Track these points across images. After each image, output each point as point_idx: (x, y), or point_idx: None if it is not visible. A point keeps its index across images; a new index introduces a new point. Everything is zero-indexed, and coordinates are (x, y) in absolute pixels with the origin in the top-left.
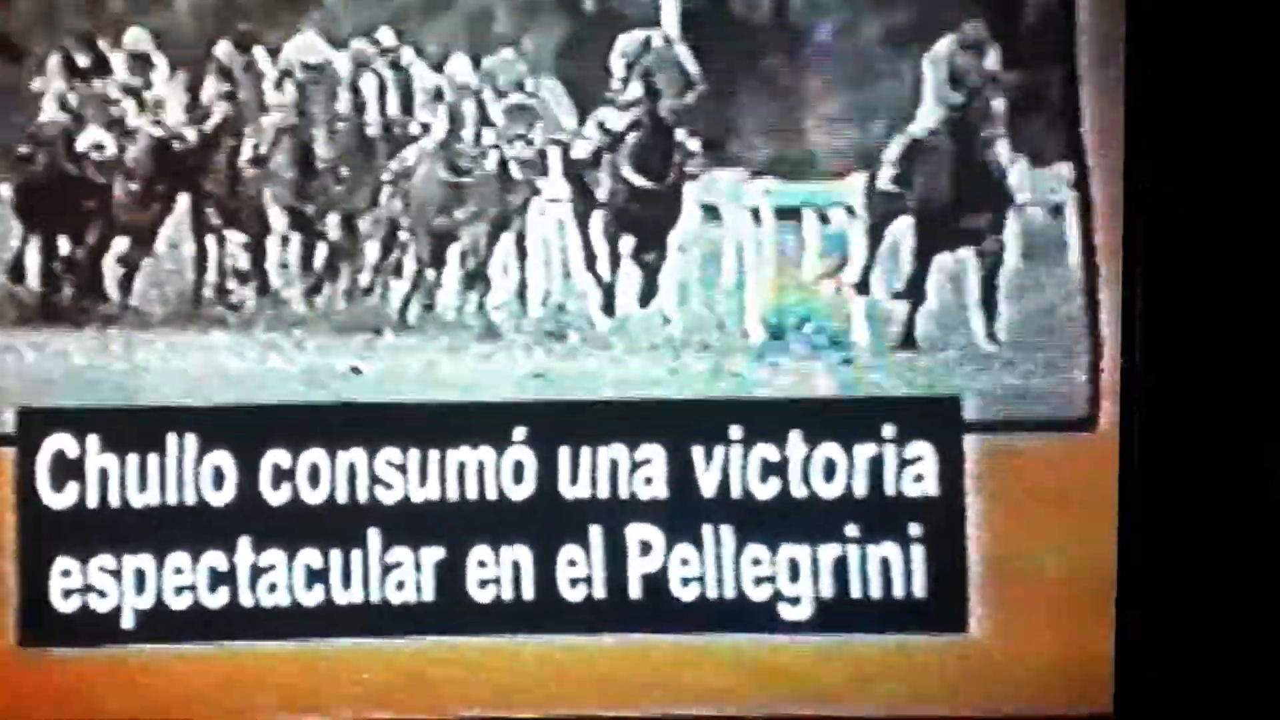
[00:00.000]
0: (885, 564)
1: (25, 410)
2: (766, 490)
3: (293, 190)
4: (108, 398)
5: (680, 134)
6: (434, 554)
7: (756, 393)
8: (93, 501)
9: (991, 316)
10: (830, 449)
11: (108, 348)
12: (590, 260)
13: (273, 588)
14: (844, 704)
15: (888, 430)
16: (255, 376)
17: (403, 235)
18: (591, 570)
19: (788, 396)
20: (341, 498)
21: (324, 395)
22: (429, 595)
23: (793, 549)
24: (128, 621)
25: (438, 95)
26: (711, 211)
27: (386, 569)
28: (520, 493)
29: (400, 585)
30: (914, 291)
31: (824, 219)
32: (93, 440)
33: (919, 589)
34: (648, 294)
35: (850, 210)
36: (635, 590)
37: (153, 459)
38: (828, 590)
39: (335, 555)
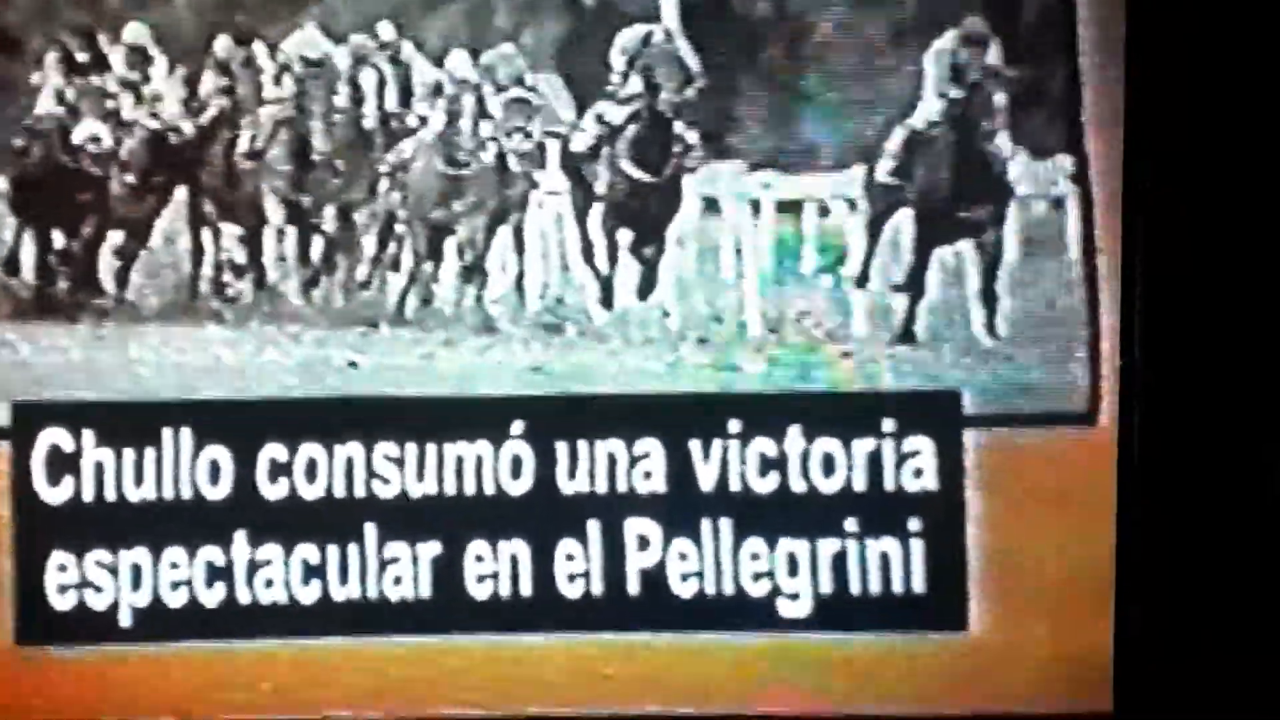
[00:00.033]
0: (884, 559)
1: (20, 404)
2: (765, 485)
3: (289, 183)
4: (103, 392)
5: (679, 126)
6: (431, 549)
7: (755, 387)
8: (88, 496)
9: (991, 310)
10: (829, 443)
11: (103, 341)
12: (588, 253)
13: (269, 583)
14: (843, 700)
15: (887, 425)
16: (251, 370)
17: (400, 228)
18: (589, 565)
19: (786, 390)
20: (338, 493)
21: (321, 389)
22: (426, 591)
23: (791, 544)
24: (124, 618)
25: (437, 90)
26: (711, 204)
27: (383, 564)
28: (518, 487)
29: (397, 581)
30: (913, 285)
31: (823, 211)
32: (88, 434)
33: (918, 584)
34: (646, 287)
35: (850, 203)
36: (633, 586)
37: (148, 453)
38: (827, 586)
39: (332, 550)
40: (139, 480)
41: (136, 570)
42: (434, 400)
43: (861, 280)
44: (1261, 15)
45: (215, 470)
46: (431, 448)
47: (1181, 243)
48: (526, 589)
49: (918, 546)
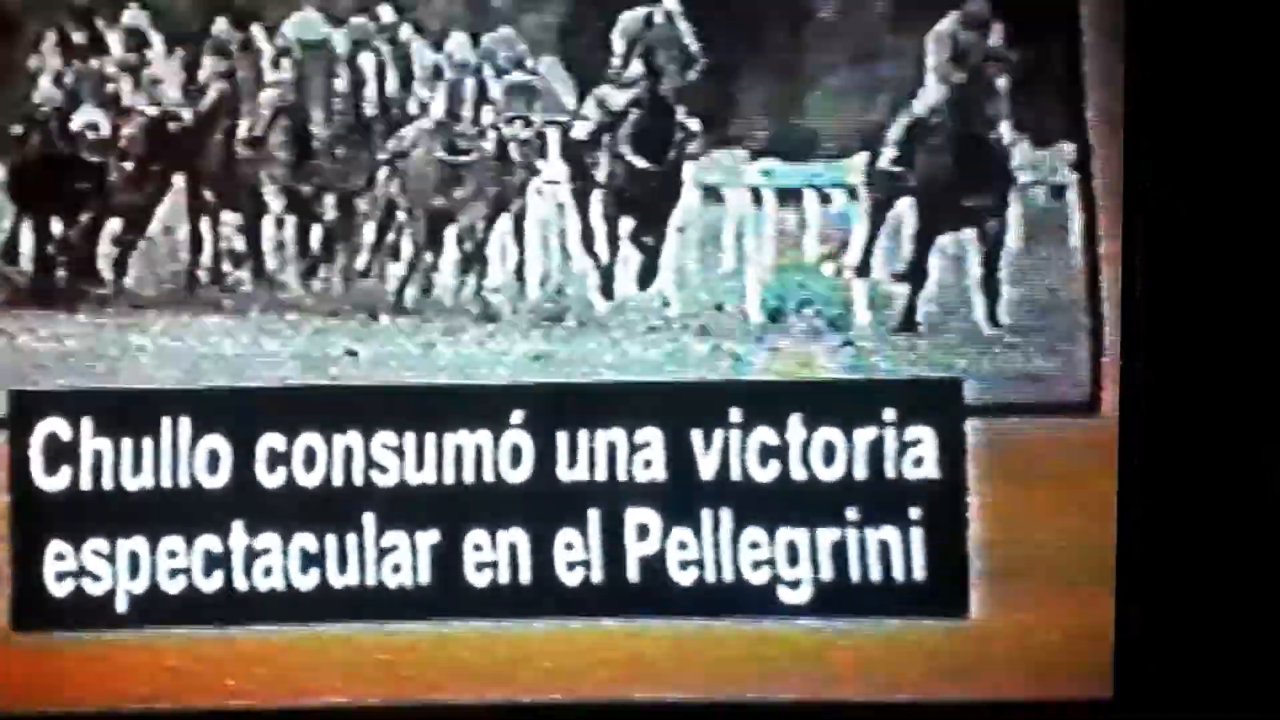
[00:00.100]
0: (885, 548)
1: (18, 393)
2: (766, 473)
3: (289, 171)
4: (101, 380)
5: (680, 113)
6: (430, 538)
7: (756, 375)
8: (86, 485)
9: (993, 299)
10: (830, 432)
11: (101, 330)
12: (589, 242)
13: (268, 571)
14: (844, 688)
15: (888, 413)
16: (250, 359)
17: (400, 216)
18: (589, 554)
19: (787, 379)
20: (337, 481)
21: (320, 378)
22: (425, 579)
23: (792, 533)
24: (122, 605)
25: (437, 73)
26: (712, 192)
27: (382, 553)
28: (518, 476)
29: (396, 569)
30: (915, 273)
31: (825, 199)
32: (86, 423)
33: (919, 573)
34: (647, 276)
35: (851, 191)
36: (633, 574)
37: (147, 442)
38: (827, 574)
39: (331, 539)
40: (137, 469)
41: (134, 559)
42: (433, 389)
43: (863, 269)
44: (1261, 3)
45: (214, 459)
46: (431, 436)
47: (1184, 231)
48: (526, 577)
49: (918, 535)
